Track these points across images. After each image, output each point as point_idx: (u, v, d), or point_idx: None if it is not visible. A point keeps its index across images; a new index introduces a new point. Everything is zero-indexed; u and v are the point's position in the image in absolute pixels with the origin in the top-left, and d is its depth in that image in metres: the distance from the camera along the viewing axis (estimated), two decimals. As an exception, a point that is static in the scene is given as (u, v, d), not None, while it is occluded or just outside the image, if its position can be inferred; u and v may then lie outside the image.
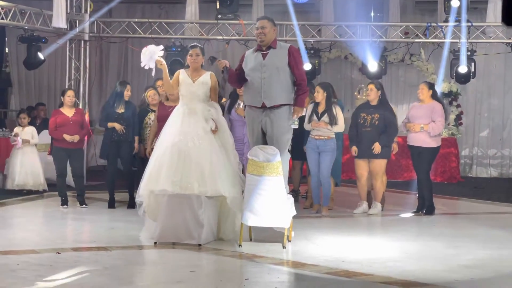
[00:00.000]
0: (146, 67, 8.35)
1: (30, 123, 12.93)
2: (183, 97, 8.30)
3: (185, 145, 7.92)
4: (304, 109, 9.72)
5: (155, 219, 8.09)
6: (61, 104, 11.01)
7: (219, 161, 8.01)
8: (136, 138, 10.66)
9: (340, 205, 10.72)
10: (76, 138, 10.66)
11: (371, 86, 10.68)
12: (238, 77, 8.37)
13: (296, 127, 8.68)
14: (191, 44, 8.78)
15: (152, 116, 10.68)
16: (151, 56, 8.26)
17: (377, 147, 10.43)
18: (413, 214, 10.71)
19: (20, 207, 11.16)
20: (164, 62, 8.30)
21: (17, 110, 17.08)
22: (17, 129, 12.34)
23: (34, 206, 11.32)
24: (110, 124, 10.61)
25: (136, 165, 10.82)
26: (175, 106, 8.79)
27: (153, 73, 8.49)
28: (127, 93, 10.72)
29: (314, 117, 10.27)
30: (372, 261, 7.31)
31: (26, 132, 12.22)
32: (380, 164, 10.57)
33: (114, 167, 10.91)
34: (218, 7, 14.68)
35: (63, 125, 10.69)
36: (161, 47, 8.40)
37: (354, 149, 10.61)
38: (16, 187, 12.13)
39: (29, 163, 12.15)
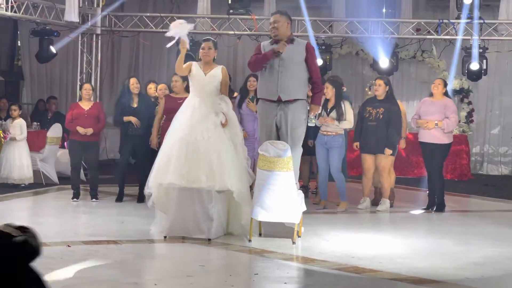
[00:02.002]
0: (170, 35, 8.31)
1: (41, 116, 12.96)
2: (194, 90, 8.29)
3: (194, 138, 7.91)
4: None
5: (165, 211, 8.10)
6: (80, 98, 11.09)
7: (227, 155, 7.98)
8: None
9: (350, 201, 10.70)
10: (89, 131, 10.66)
11: (380, 82, 10.68)
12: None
13: (313, 125, 8.72)
14: (204, 38, 8.80)
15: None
16: (181, 32, 8.25)
17: (387, 152, 10.45)
18: (423, 211, 10.69)
19: (29, 200, 11.20)
20: (187, 45, 8.30)
21: (29, 103, 17.17)
22: (8, 121, 12.41)
23: (43, 199, 11.37)
24: (126, 118, 10.63)
25: (142, 159, 10.78)
26: (183, 98, 8.81)
27: (168, 45, 8.43)
28: (131, 86, 10.73)
29: (323, 113, 10.27)
30: (381, 257, 7.31)
31: (15, 125, 12.23)
32: (386, 160, 10.54)
33: (125, 161, 10.94)
34: (230, 2, 14.68)
35: (78, 118, 10.72)
36: (192, 25, 8.40)
37: (356, 144, 10.65)
38: (0, 179, 12.16)
39: (14, 156, 12.15)
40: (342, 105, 10.26)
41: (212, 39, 8.71)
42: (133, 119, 10.58)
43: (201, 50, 8.45)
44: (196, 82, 8.27)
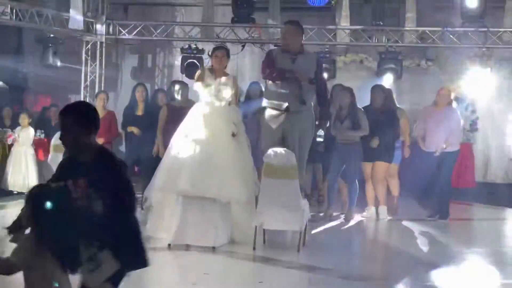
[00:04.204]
0: None
1: (46, 124, 12.98)
2: (204, 97, 8.25)
3: (207, 147, 7.87)
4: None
5: (160, 216, 8.07)
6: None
7: (238, 165, 7.97)
8: (156, 140, 10.65)
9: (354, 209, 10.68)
10: (100, 140, 10.66)
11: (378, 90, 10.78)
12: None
13: (322, 139, 8.73)
14: (217, 45, 8.81)
15: None
16: None
17: (375, 141, 10.38)
18: (427, 219, 10.64)
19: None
20: None
21: (33, 111, 17.19)
22: (17, 130, 12.46)
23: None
24: (129, 129, 10.69)
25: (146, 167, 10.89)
26: (185, 107, 8.84)
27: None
28: (138, 94, 10.76)
29: (338, 123, 10.23)
30: (386, 265, 7.30)
31: (23, 133, 12.29)
32: (381, 168, 10.50)
33: (129, 168, 10.96)
34: (234, 10, 14.71)
35: None
36: None
37: None
38: (5, 187, 12.18)
39: (21, 164, 12.17)
40: (357, 114, 10.22)
41: (226, 47, 8.73)
42: (134, 129, 10.61)
43: (214, 58, 8.38)
44: (207, 89, 8.23)
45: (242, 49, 15.04)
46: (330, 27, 15.05)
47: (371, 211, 10.61)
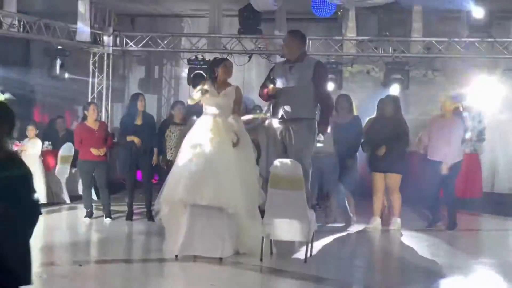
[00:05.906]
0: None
1: (51, 136, 13.00)
2: (207, 108, 8.28)
3: (204, 157, 7.89)
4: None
5: (170, 228, 8.09)
6: (84, 118, 11.10)
7: (237, 174, 7.95)
8: (155, 150, 10.72)
9: (361, 219, 10.66)
10: (102, 151, 10.71)
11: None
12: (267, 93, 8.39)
13: (321, 145, 8.69)
14: (222, 57, 8.88)
15: (172, 128, 11.04)
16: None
17: (382, 150, 10.36)
18: (429, 228, 10.60)
19: (41, 219, 11.16)
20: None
21: (41, 122, 17.24)
22: (24, 142, 12.50)
23: (55, 218, 11.36)
24: (129, 138, 10.67)
25: (157, 177, 10.96)
26: (181, 124, 8.90)
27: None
28: (140, 104, 10.77)
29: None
30: (393, 275, 7.28)
31: (31, 144, 12.34)
32: (395, 179, 10.48)
33: (133, 179, 10.96)
34: (240, 21, 14.74)
35: (88, 138, 10.74)
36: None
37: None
38: None
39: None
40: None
41: (230, 60, 8.86)
42: (135, 139, 10.61)
43: (223, 68, 8.40)
44: (209, 100, 8.25)
45: (248, 60, 15.07)
46: (337, 37, 15.06)
47: (376, 221, 10.57)
